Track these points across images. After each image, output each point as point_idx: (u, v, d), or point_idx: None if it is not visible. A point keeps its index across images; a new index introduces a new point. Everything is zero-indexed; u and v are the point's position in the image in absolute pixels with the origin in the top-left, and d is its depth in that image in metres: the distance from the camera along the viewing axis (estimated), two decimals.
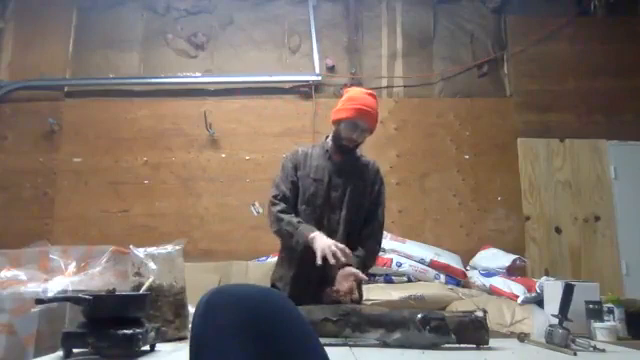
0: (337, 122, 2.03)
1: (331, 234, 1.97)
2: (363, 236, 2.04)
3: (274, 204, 2.00)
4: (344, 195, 2.02)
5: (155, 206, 3.94)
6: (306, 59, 4.17)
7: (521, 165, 3.97)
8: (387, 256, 3.35)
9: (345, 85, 3.89)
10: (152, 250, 1.67)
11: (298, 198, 2.02)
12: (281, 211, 1.97)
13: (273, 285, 2.02)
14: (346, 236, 1.99)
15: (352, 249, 1.97)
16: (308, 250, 1.86)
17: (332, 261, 1.75)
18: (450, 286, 3.26)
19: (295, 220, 1.93)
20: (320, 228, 1.97)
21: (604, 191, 3.90)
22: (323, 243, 1.80)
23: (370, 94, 2.04)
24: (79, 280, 2.25)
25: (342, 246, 1.79)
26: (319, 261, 1.76)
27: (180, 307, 1.65)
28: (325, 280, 1.85)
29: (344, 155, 2.07)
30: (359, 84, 4.12)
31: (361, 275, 1.87)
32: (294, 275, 1.98)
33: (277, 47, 4.21)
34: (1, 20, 4.25)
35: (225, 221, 3.91)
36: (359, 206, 2.04)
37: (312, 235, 1.85)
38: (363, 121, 1.98)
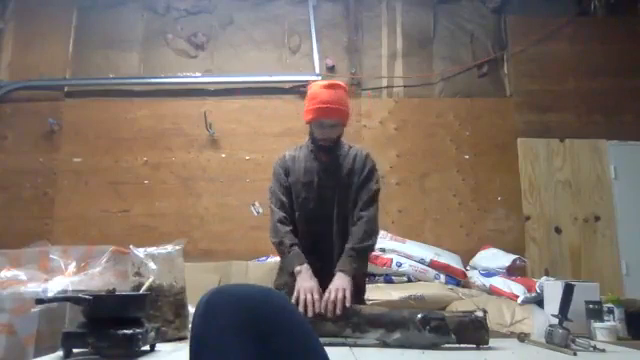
0: (308, 123, 1.99)
1: (325, 236, 1.96)
2: (355, 225, 1.92)
3: (273, 211, 1.99)
4: (334, 194, 1.97)
5: (155, 206, 3.94)
6: (306, 59, 4.17)
7: (521, 165, 3.97)
8: (387, 256, 3.35)
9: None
10: (152, 250, 1.67)
11: (293, 204, 2.00)
12: (279, 220, 1.95)
13: None
14: (342, 235, 1.95)
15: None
16: (310, 259, 1.86)
17: (300, 309, 1.68)
18: (450, 286, 3.25)
19: (288, 242, 1.90)
20: (314, 231, 1.96)
21: (604, 191, 3.90)
22: (302, 285, 1.76)
23: (329, 86, 1.95)
24: (79, 280, 2.25)
25: (317, 297, 1.71)
26: (293, 300, 1.73)
27: (180, 307, 1.65)
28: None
29: (329, 153, 2.01)
30: (359, 84, 4.13)
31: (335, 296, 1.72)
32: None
33: (277, 47, 4.21)
34: (1, 20, 4.25)
35: (225, 221, 3.91)
36: (349, 200, 1.97)
37: (297, 269, 1.83)
38: (328, 119, 1.92)
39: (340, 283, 1.75)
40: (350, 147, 2.07)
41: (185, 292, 1.69)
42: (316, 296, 1.72)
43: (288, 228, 1.94)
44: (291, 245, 1.89)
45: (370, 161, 2.04)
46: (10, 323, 2.30)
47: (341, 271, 1.81)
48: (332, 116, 1.92)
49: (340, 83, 2.01)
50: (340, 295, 1.69)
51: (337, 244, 1.95)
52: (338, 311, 1.66)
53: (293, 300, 1.74)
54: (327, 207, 1.97)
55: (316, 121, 1.94)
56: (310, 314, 1.68)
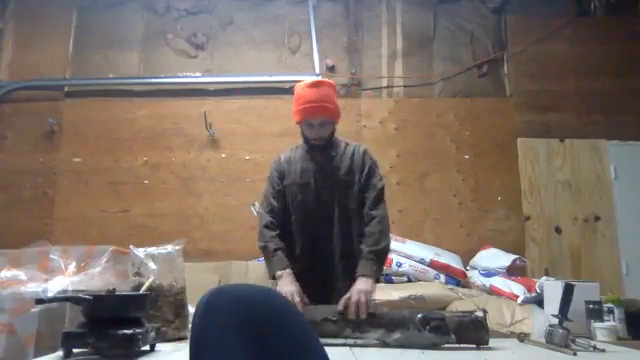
0: (297, 124, 1.98)
1: (325, 238, 1.93)
2: (368, 225, 1.89)
3: (262, 215, 1.98)
4: (334, 195, 1.94)
5: (155, 206, 3.94)
6: (306, 59, 4.17)
7: (521, 165, 3.97)
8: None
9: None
10: (152, 250, 1.67)
11: (288, 207, 1.98)
12: (266, 225, 1.94)
13: None
14: (343, 236, 1.93)
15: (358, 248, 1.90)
16: (306, 268, 1.87)
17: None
18: (450, 286, 3.25)
19: (272, 247, 1.88)
20: (313, 233, 1.94)
21: (604, 191, 3.90)
22: (283, 289, 1.75)
23: (313, 84, 1.92)
24: (79, 280, 2.24)
25: (297, 300, 1.70)
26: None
27: (180, 307, 1.65)
28: (326, 298, 1.79)
29: (323, 152, 1.98)
30: (359, 84, 4.13)
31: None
32: None
33: (277, 47, 4.21)
34: (1, 20, 4.25)
35: (225, 221, 3.91)
36: (351, 200, 1.94)
37: (279, 273, 1.82)
38: (315, 118, 1.90)
39: (363, 287, 1.71)
40: (347, 144, 2.03)
41: (185, 292, 1.69)
42: (297, 299, 1.71)
43: (274, 233, 1.92)
44: (275, 250, 1.88)
45: (369, 157, 2.00)
46: (10, 323, 2.30)
47: (363, 275, 1.78)
48: (318, 115, 1.90)
49: (326, 80, 2.00)
50: (363, 299, 1.66)
51: (338, 246, 1.93)
52: (363, 315, 1.63)
53: None
54: (327, 208, 1.94)
55: (304, 121, 1.93)
56: None
